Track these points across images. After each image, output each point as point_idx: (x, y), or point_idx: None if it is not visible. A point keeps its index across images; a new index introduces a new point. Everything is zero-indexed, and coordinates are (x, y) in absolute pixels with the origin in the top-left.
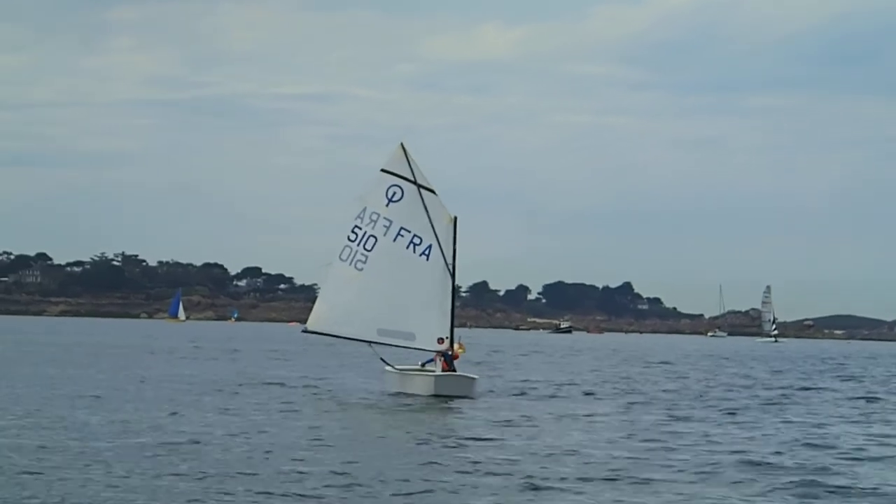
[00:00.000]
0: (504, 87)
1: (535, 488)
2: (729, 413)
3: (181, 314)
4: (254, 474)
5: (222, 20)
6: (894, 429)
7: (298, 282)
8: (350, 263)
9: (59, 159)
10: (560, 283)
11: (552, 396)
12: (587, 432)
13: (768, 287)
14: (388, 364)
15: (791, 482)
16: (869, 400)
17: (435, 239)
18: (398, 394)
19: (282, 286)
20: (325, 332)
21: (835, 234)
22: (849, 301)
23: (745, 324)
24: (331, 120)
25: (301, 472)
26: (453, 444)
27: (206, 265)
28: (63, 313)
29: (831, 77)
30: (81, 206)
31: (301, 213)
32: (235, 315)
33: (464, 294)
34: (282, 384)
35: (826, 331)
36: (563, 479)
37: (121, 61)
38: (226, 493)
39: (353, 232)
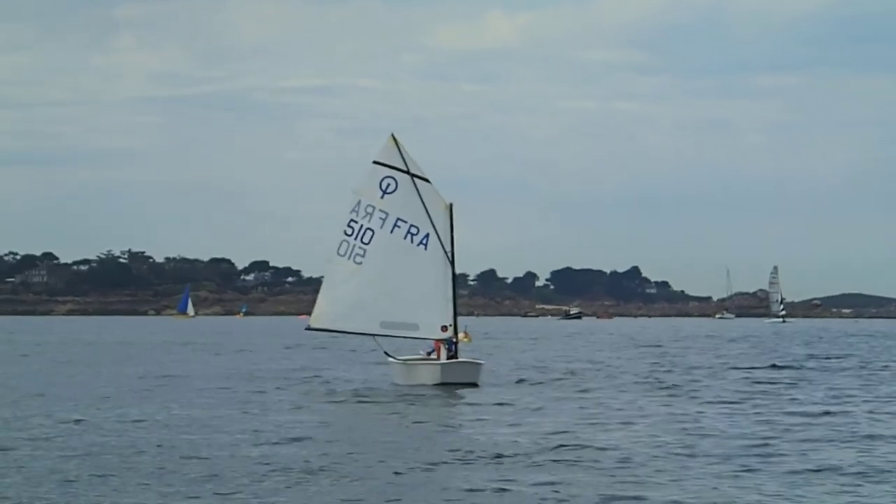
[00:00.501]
0: (510, 74)
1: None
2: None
3: (190, 310)
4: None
5: (228, 15)
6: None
7: (306, 275)
8: (348, 258)
9: (65, 158)
10: (568, 269)
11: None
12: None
13: (775, 268)
14: (392, 356)
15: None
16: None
17: (432, 227)
18: (406, 385)
19: (289, 279)
20: (328, 328)
21: (842, 214)
22: (857, 280)
23: (752, 305)
24: (338, 112)
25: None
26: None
27: (214, 260)
28: (70, 312)
29: (838, 58)
30: (87, 204)
31: (308, 205)
32: (244, 310)
33: (472, 282)
34: None
35: (834, 310)
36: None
37: (127, 59)
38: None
39: (349, 226)
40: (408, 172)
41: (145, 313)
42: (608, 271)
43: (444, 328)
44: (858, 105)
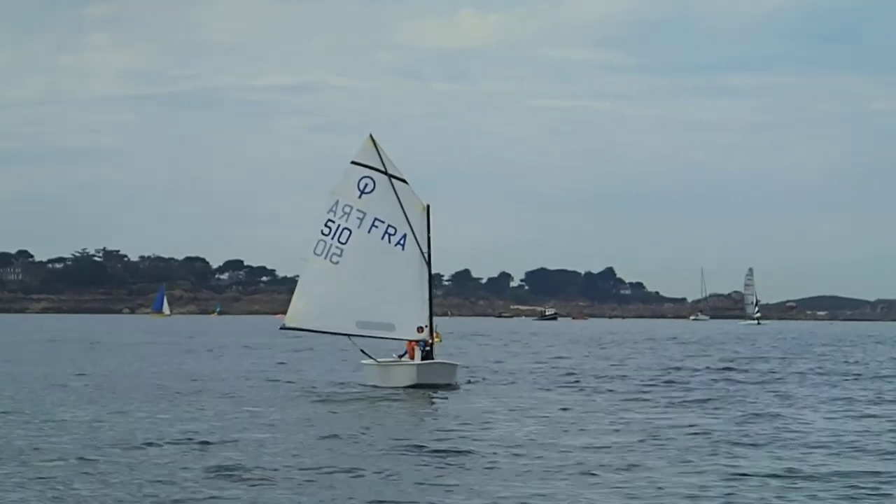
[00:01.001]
0: (483, 73)
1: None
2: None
3: (166, 309)
4: None
5: (199, 13)
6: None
7: (281, 274)
8: (325, 257)
9: (40, 156)
10: (542, 269)
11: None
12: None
13: (751, 270)
14: (369, 356)
15: None
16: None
17: (409, 228)
18: (380, 386)
19: (264, 278)
20: (303, 327)
21: (818, 216)
22: (832, 282)
23: (727, 307)
24: (310, 110)
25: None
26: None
27: (188, 259)
28: (45, 310)
29: (814, 55)
30: (62, 202)
31: (282, 204)
32: (218, 309)
33: (446, 283)
34: None
35: (809, 312)
36: None
37: (99, 57)
38: None
39: (326, 226)
40: (386, 173)
41: (120, 311)
42: (583, 272)
43: (420, 329)
44: (833, 104)
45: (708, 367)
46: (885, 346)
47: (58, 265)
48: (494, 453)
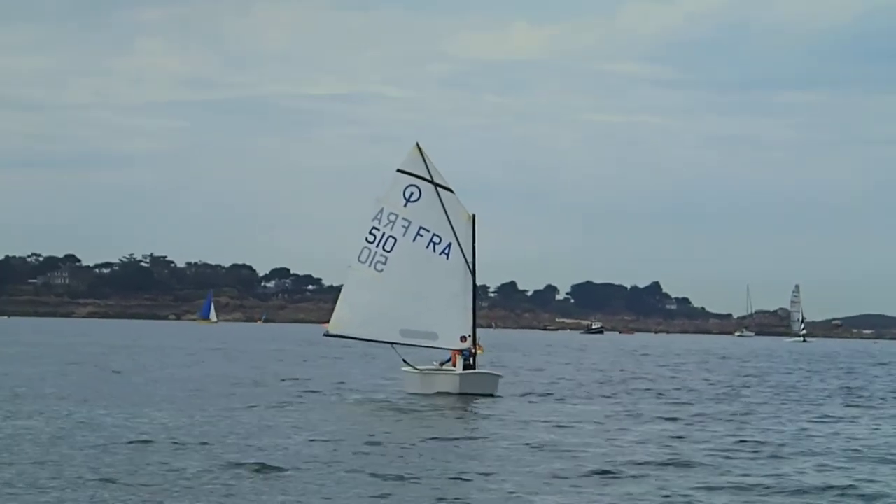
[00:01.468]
0: (533, 85)
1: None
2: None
3: (213, 316)
4: None
5: (253, 20)
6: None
7: (327, 283)
8: (369, 265)
9: (89, 161)
10: (588, 283)
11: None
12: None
13: (797, 286)
14: (410, 365)
15: None
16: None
17: (454, 237)
18: (422, 394)
19: (310, 287)
20: (347, 335)
21: (865, 233)
22: (878, 300)
23: (773, 323)
24: (360, 120)
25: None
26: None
27: (235, 266)
28: (91, 315)
29: (863, 74)
30: (110, 207)
31: (329, 213)
32: (265, 317)
33: (492, 294)
34: None
35: (854, 330)
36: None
37: (150, 62)
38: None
39: (370, 233)
40: (431, 182)
41: (165, 318)
42: (628, 286)
43: (464, 338)
44: (881, 122)
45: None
46: None
47: (105, 270)
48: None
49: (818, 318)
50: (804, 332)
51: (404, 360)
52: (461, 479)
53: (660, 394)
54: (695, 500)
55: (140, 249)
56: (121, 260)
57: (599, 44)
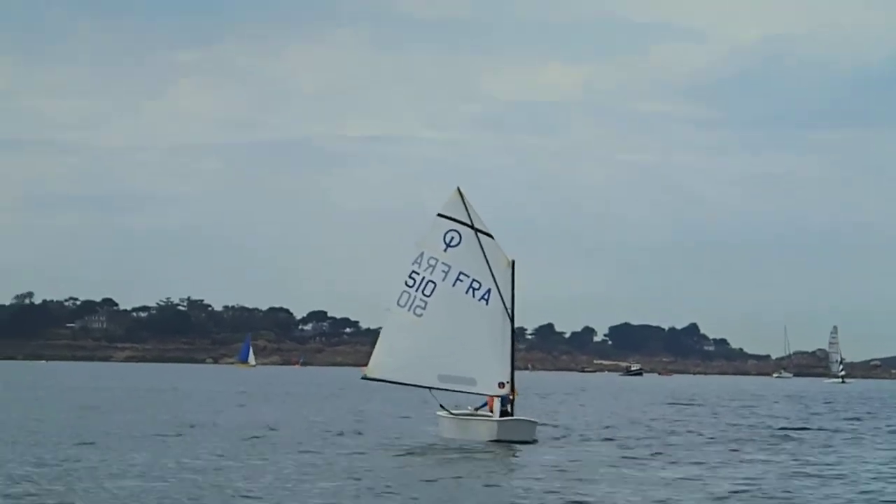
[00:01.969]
0: (568, 125)
1: None
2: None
3: (251, 359)
4: None
5: (288, 62)
6: None
7: (364, 325)
8: (409, 309)
9: (125, 204)
10: (626, 324)
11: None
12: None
13: (835, 328)
14: (447, 410)
15: None
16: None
17: (493, 283)
18: (458, 440)
19: (347, 330)
20: (385, 378)
21: None
22: None
23: (811, 364)
24: (396, 161)
25: None
26: None
27: (272, 309)
28: (129, 359)
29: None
30: (147, 251)
31: (366, 255)
32: (302, 360)
33: (530, 336)
34: None
35: (894, 371)
36: None
37: (187, 104)
38: None
39: (410, 277)
40: (472, 227)
41: (203, 361)
42: (666, 327)
43: (502, 385)
44: None
45: None
46: None
47: (142, 314)
48: None
49: (857, 359)
50: (843, 373)
51: (441, 406)
52: None
53: (706, 436)
54: None
55: (177, 293)
56: (158, 304)
57: (633, 82)
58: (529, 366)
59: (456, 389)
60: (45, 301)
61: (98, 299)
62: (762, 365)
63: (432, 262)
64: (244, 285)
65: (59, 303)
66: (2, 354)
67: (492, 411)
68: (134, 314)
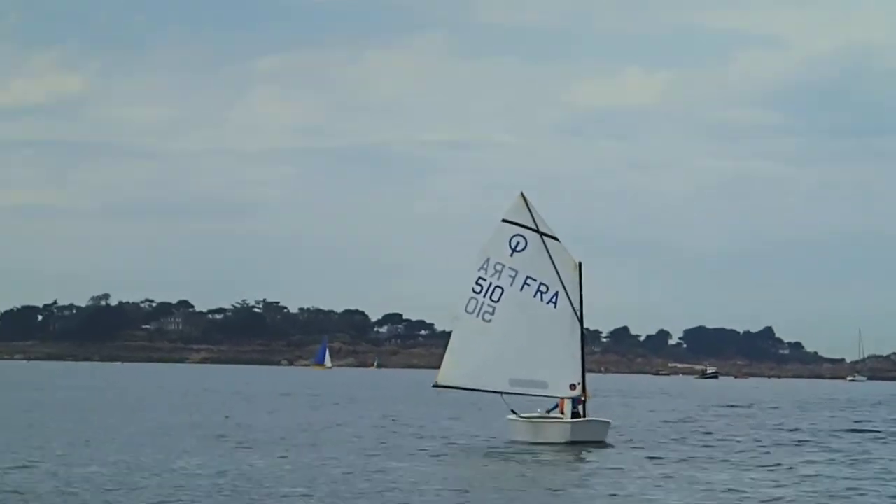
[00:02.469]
0: (647, 132)
1: None
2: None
3: (327, 361)
4: None
5: (365, 68)
6: None
7: (439, 328)
8: (477, 315)
9: (202, 208)
10: (701, 327)
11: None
12: None
13: None
14: (518, 414)
15: None
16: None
17: (561, 286)
18: (530, 442)
19: (422, 332)
20: (456, 385)
21: None
22: None
23: (886, 368)
24: (473, 167)
25: None
26: None
27: (347, 312)
28: (204, 360)
29: None
30: (223, 253)
31: (442, 260)
32: (377, 362)
33: (604, 339)
34: None
35: None
36: None
37: (265, 111)
38: None
39: (477, 283)
40: (537, 231)
41: (278, 363)
42: (741, 331)
43: (573, 386)
44: None
45: None
46: None
47: (218, 316)
48: None
49: None
50: None
51: (512, 410)
52: None
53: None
54: None
55: (252, 295)
56: (233, 306)
57: (712, 90)
58: (603, 368)
59: (528, 393)
60: (121, 303)
61: (174, 301)
62: (836, 368)
63: (498, 267)
64: (319, 288)
65: (136, 305)
66: (79, 356)
67: (563, 413)
68: (209, 316)
